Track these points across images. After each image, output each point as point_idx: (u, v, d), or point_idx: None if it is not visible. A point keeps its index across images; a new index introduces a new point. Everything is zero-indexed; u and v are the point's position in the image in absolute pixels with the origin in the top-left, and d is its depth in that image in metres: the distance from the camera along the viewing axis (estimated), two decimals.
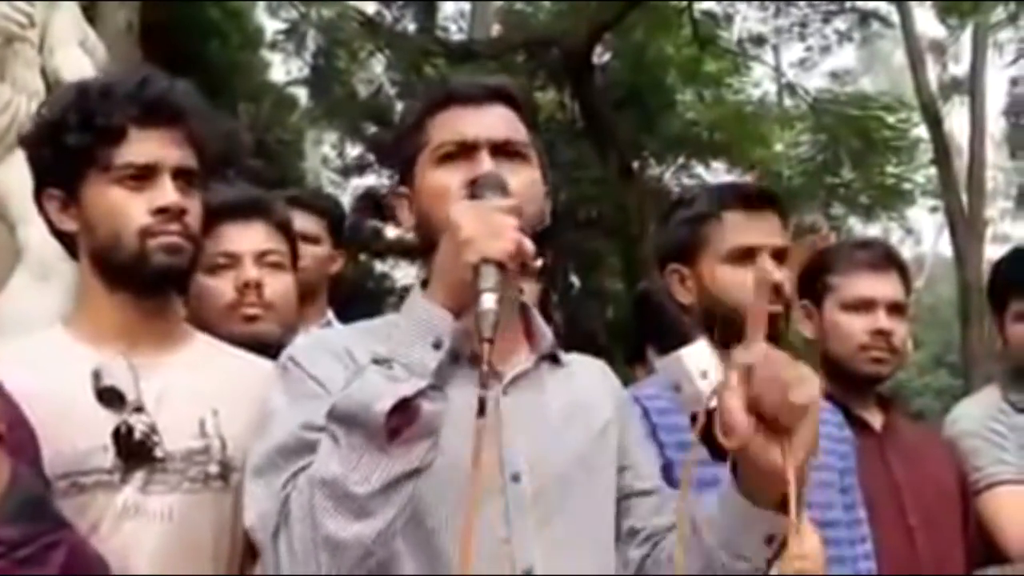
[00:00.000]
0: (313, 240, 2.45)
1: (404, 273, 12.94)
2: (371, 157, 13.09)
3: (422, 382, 1.08)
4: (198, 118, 1.42)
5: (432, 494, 1.14)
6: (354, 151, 13.31)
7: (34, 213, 2.63)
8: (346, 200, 13.76)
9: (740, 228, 1.74)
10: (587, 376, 1.38)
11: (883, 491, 1.96)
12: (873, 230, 13.52)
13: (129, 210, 1.36)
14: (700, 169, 12.56)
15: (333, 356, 1.24)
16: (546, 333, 1.35)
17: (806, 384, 1.03)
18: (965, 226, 10.54)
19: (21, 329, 2.57)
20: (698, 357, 1.36)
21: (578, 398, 1.32)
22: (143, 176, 1.37)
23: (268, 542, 1.11)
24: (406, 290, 13.02)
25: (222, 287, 1.76)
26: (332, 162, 13.80)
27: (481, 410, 1.04)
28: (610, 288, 11.49)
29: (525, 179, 1.28)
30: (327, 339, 1.32)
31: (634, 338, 2.66)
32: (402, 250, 12.40)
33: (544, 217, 1.33)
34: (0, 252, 2.90)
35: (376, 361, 1.09)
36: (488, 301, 1.06)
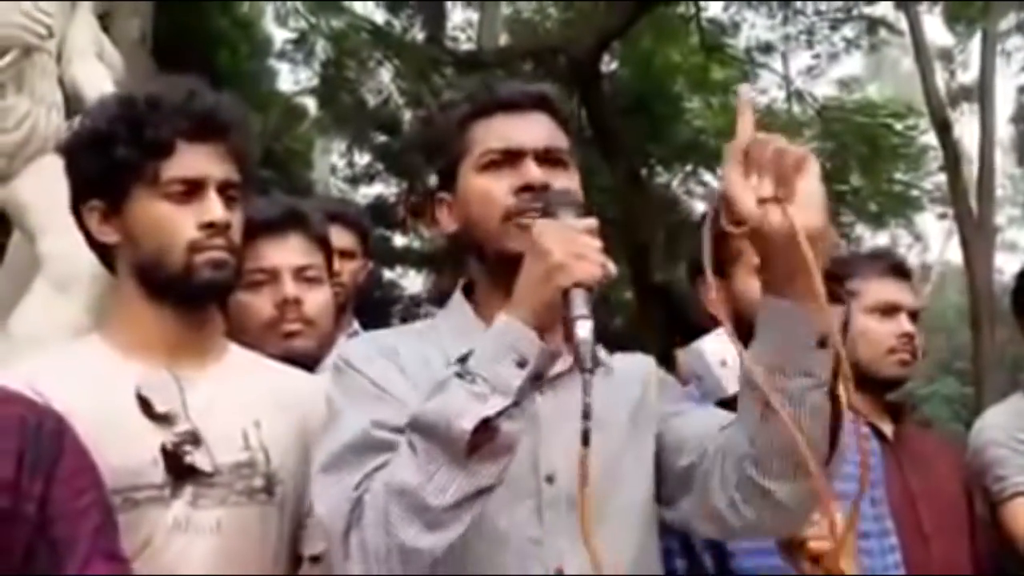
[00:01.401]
0: (350, 255, 2.46)
1: (412, 282, 12.97)
2: (379, 166, 13.12)
3: (505, 400, 1.08)
4: (241, 132, 1.43)
5: None
6: (362, 160, 13.35)
7: (55, 224, 2.68)
8: None
9: None
10: (626, 371, 1.38)
11: (900, 500, 1.96)
12: (881, 237, 13.52)
13: (176, 224, 1.36)
14: (708, 176, 12.57)
15: (385, 357, 1.25)
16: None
17: (797, 146, 1.08)
18: (974, 233, 10.50)
19: (39, 340, 2.59)
20: (717, 346, 1.35)
21: (616, 398, 1.31)
22: (190, 190, 1.37)
23: (338, 538, 1.12)
24: (413, 299, 13.08)
25: (261, 304, 1.74)
26: (341, 171, 13.83)
27: (585, 441, 1.04)
28: (618, 296, 11.48)
29: (569, 186, 1.30)
30: (376, 341, 1.33)
31: (662, 337, 2.64)
32: (412, 259, 12.43)
33: None
34: (19, 263, 2.91)
35: (459, 375, 1.10)
36: (584, 330, 1.07)
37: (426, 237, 13.20)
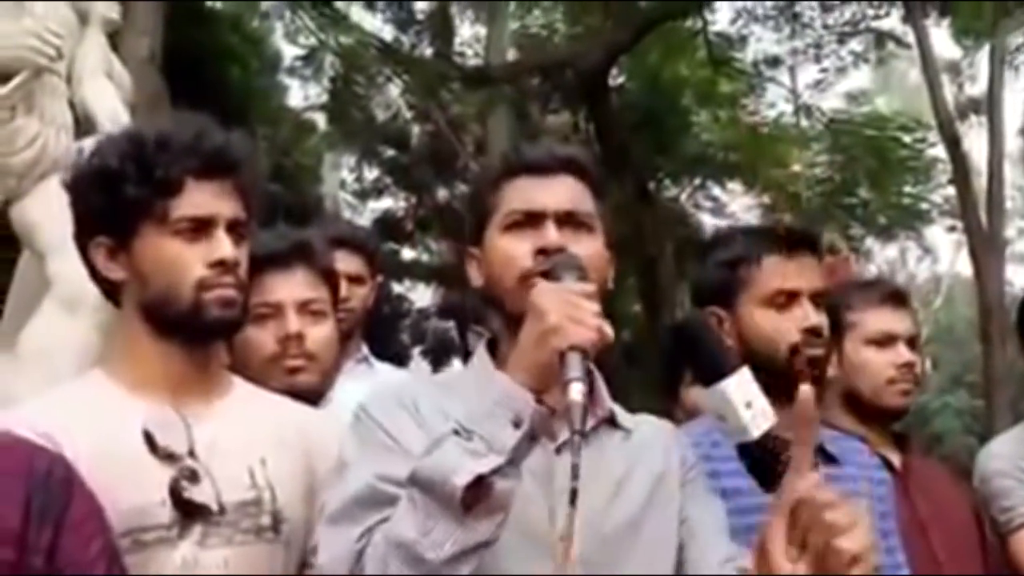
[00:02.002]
0: (359, 280, 2.46)
1: (420, 295, 12.99)
2: (388, 180, 13.18)
3: (499, 459, 1.10)
4: (250, 169, 1.44)
5: None
6: (371, 174, 13.41)
7: (64, 244, 2.69)
8: (363, 223, 13.89)
9: (779, 272, 1.73)
10: (647, 438, 1.39)
11: (911, 529, 1.94)
12: (891, 249, 13.48)
13: (185, 262, 1.36)
14: (717, 190, 12.57)
15: (404, 409, 1.28)
16: (606, 398, 1.38)
17: (857, 530, 0.98)
18: (984, 246, 10.45)
19: (48, 359, 2.60)
20: (741, 387, 1.35)
21: (635, 463, 1.33)
22: (199, 228, 1.37)
23: None
24: (421, 312, 13.08)
25: (264, 338, 1.74)
26: (350, 185, 13.89)
27: (572, 500, 1.05)
28: (627, 311, 11.46)
29: (589, 249, 1.32)
30: (399, 392, 1.35)
31: (669, 371, 2.61)
32: (420, 273, 12.46)
33: (607, 283, 1.37)
34: (28, 282, 2.93)
35: (457, 432, 1.12)
36: (577, 392, 1.08)
37: (434, 251, 13.23)
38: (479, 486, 1.08)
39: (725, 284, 1.77)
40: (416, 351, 12.84)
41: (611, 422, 1.36)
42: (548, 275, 1.23)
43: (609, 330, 1.14)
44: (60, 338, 2.59)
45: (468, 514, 1.09)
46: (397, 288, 12.59)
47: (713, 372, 1.31)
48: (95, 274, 1.44)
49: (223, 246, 1.37)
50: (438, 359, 12.01)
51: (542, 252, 1.29)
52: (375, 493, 1.18)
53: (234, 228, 1.40)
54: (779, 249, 1.75)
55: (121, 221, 1.38)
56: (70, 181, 1.44)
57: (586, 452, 1.22)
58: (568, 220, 1.33)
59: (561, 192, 1.35)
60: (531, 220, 1.33)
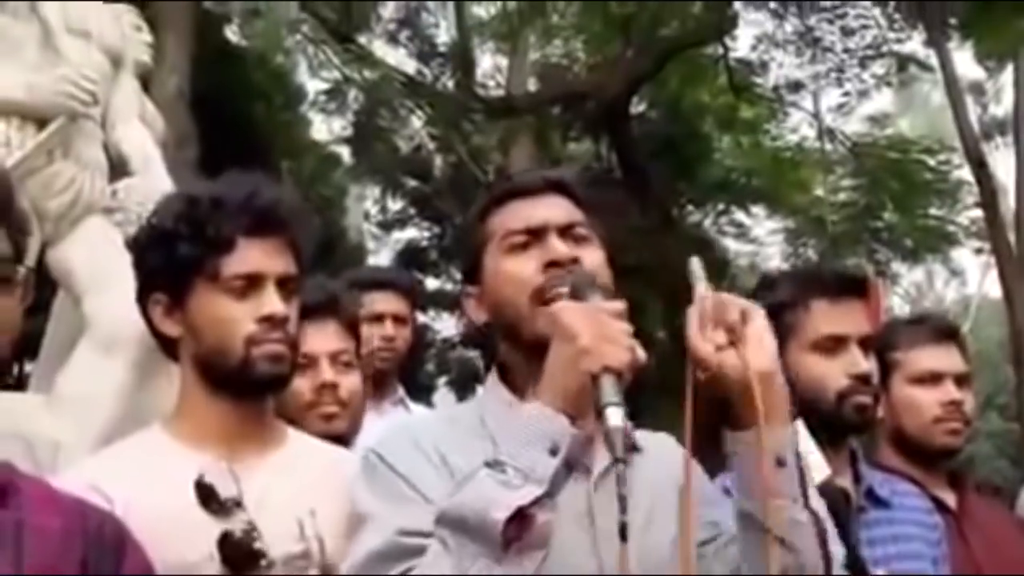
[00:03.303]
0: (403, 321, 2.51)
1: (445, 324, 13.01)
2: (412, 210, 13.26)
3: (538, 490, 1.05)
4: (300, 225, 1.47)
5: None
6: (395, 205, 13.51)
7: (100, 286, 2.74)
8: (387, 253, 13.98)
9: (827, 317, 1.72)
10: (658, 453, 1.35)
11: (966, 569, 1.89)
12: (918, 272, 13.35)
13: (236, 318, 1.39)
14: (741, 215, 12.54)
15: (421, 453, 1.22)
16: (628, 424, 1.32)
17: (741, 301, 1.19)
18: (1013, 267, 10.33)
19: (85, 401, 2.63)
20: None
21: (660, 481, 1.28)
22: (249, 285, 1.40)
23: None
24: (446, 341, 13.08)
25: (300, 387, 1.81)
26: (374, 216, 13.99)
27: (623, 536, 1.02)
28: (653, 336, 11.42)
29: (595, 257, 1.29)
30: (413, 434, 1.28)
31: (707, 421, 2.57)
32: (445, 302, 12.48)
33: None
34: (64, 325, 2.96)
35: (488, 464, 1.07)
36: (616, 417, 1.04)
37: (458, 280, 13.26)
38: (519, 520, 1.03)
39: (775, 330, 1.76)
40: (441, 381, 12.85)
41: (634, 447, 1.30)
42: (572, 295, 1.18)
43: (642, 352, 1.10)
44: (97, 380, 2.61)
45: (507, 551, 1.03)
46: (421, 318, 12.63)
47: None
48: (154, 330, 1.47)
49: (272, 302, 1.40)
50: (463, 389, 12.01)
51: (552, 265, 1.25)
52: (397, 548, 1.13)
53: (284, 284, 1.43)
54: (826, 294, 1.74)
55: (176, 279, 1.42)
56: (132, 241, 1.50)
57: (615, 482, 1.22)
58: (569, 233, 1.29)
59: (556, 207, 1.32)
60: (533, 236, 1.28)
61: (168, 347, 1.48)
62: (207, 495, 1.33)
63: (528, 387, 1.23)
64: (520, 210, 1.32)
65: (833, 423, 1.69)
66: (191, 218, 1.40)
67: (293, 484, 1.41)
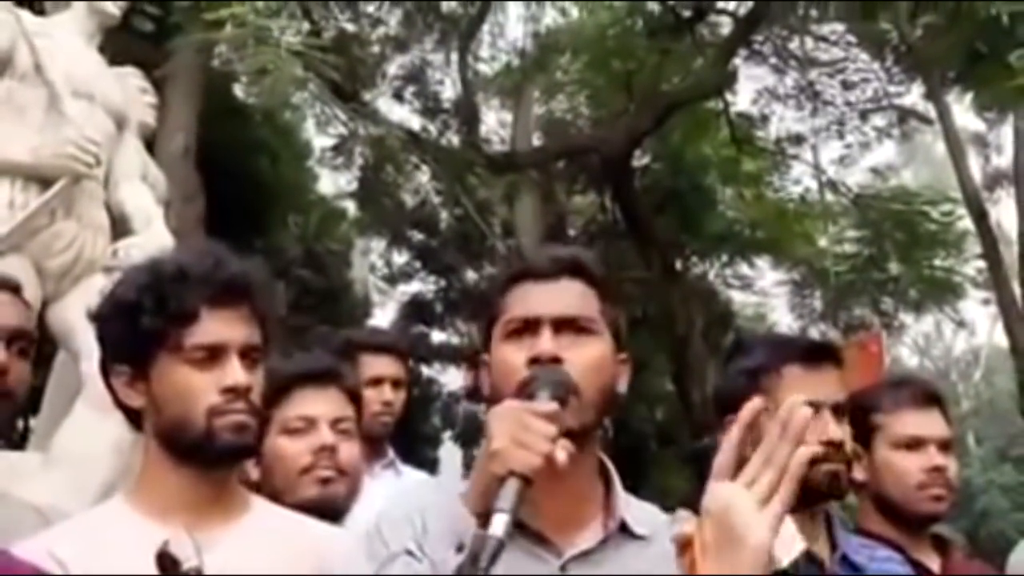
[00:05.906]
0: (401, 384, 2.53)
1: (451, 378, 12.98)
2: (417, 264, 13.33)
3: None
4: (263, 294, 1.47)
5: None
6: (401, 258, 13.58)
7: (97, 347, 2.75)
8: (393, 306, 14.03)
9: (799, 383, 1.71)
10: (669, 549, 1.30)
11: None
12: (927, 323, 13.28)
13: (198, 390, 1.38)
14: (744, 266, 12.56)
15: (411, 527, 1.24)
16: (619, 509, 1.31)
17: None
18: (1020, 319, 10.30)
19: (79, 462, 2.63)
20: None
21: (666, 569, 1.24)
22: (212, 356, 1.39)
23: None
24: (451, 395, 13.01)
25: (298, 449, 1.82)
26: (379, 270, 14.06)
27: None
28: (658, 389, 11.37)
29: (589, 353, 1.28)
30: (410, 507, 1.30)
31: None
32: (450, 355, 12.47)
33: (616, 385, 1.33)
34: (63, 384, 2.98)
35: (409, 552, 1.15)
36: (497, 525, 1.06)
37: (463, 333, 13.27)
38: None
39: (745, 393, 1.75)
40: (447, 435, 12.78)
41: (624, 530, 1.29)
42: (524, 390, 1.20)
43: (562, 456, 1.10)
44: (92, 441, 2.62)
45: None
46: (427, 371, 12.61)
47: None
48: (117, 401, 1.46)
49: (235, 373, 1.39)
50: (468, 443, 11.94)
51: (535, 361, 1.25)
52: None
53: (247, 354, 1.42)
54: (800, 360, 1.74)
55: (139, 350, 1.41)
56: (95, 312, 1.47)
57: (592, 567, 1.23)
58: (568, 325, 1.29)
59: (560, 297, 1.31)
60: (528, 327, 1.29)
61: (132, 418, 1.47)
62: (168, 565, 1.32)
63: None
64: (528, 294, 1.33)
65: (806, 490, 1.67)
66: (154, 290, 1.40)
67: (257, 554, 1.40)
